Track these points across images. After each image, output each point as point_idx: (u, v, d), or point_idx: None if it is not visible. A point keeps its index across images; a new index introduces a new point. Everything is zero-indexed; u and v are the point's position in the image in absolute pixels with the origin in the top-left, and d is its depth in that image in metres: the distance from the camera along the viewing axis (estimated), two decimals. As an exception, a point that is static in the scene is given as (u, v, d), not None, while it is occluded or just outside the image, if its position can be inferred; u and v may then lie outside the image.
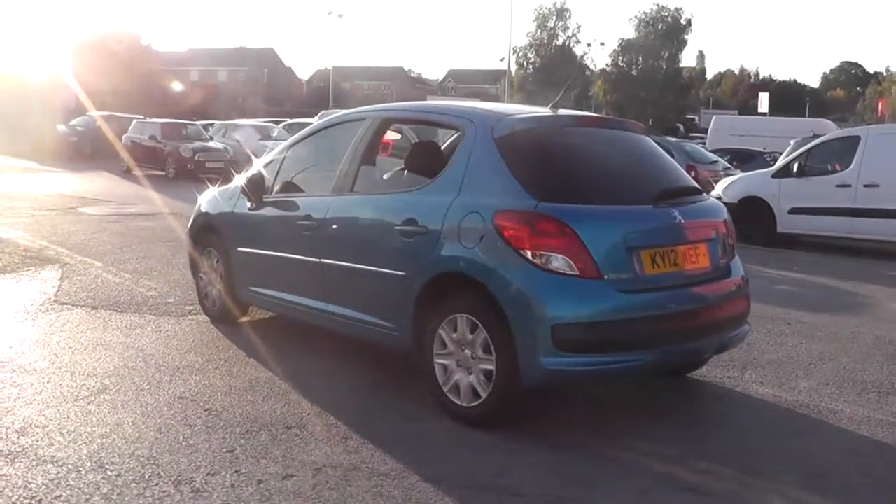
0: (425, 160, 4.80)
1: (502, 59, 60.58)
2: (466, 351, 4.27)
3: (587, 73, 62.76)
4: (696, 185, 5.04)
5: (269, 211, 5.70)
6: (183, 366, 5.20)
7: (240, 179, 6.43)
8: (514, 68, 57.97)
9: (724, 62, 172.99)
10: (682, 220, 4.44)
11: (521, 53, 60.65)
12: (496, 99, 60.96)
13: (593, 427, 4.41)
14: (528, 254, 4.04)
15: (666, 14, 56.31)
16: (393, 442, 4.04)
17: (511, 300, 4.04)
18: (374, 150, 5.25)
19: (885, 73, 66.57)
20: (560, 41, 61.72)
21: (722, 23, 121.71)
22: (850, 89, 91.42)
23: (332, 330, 5.34)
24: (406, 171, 5.05)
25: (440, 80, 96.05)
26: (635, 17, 57.50)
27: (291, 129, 23.48)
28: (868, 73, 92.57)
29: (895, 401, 5.05)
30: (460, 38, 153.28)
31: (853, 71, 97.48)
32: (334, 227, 5.07)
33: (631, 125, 5.14)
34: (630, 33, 59.90)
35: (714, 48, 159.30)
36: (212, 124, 22.69)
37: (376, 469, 3.74)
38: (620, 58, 57.92)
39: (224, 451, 3.88)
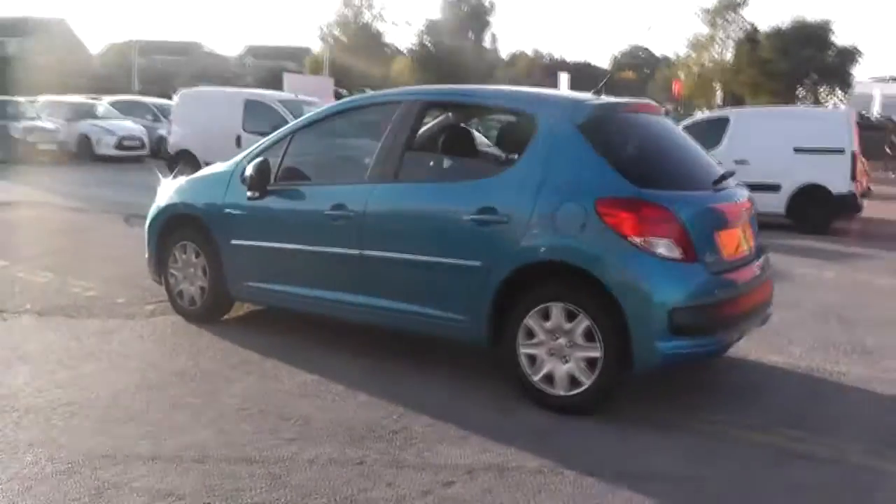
0: (498, 147, 4.66)
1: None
2: (561, 340, 4.24)
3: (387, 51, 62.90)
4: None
5: (276, 201, 5.28)
6: (212, 373, 4.73)
7: (219, 167, 5.93)
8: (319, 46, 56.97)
9: (515, 45, 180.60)
10: (738, 203, 4.67)
11: (327, 31, 59.67)
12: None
13: (676, 406, 4.52)
14: (637, 240, 4.08)
15: (470, -5, 57.70)
16: (512, 437, 3.95)
17: (624, 287, 4.06)
18: (419, 136, 5.01)
19: (676, 57, 72.36)
20: (366, 19, 61.39)
21: (512, 6, 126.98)
22: (640, 71, 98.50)
23: (371, 324, 5.07)
24: (450, 159, 4.87)
25: (238, 55, 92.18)
26: (442, -2, 58.42)
27: (120, 106, 21.71)
28: (655, 56, 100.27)
29: (878, 359, 5.62)
30: (260, 14, 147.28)
31: (641, 54, 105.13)
32: (380, 216, 4.80)
33: (656, 108, 5.29)
34: (436, 14, 60.83)
35: (505, 31, 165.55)
36: (34, 101, 20.33)
37: (525, 466, 3.65)
38: (426, 38, 58.64)
39: (354, 463, 3.61)
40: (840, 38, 73.99)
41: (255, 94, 13.92)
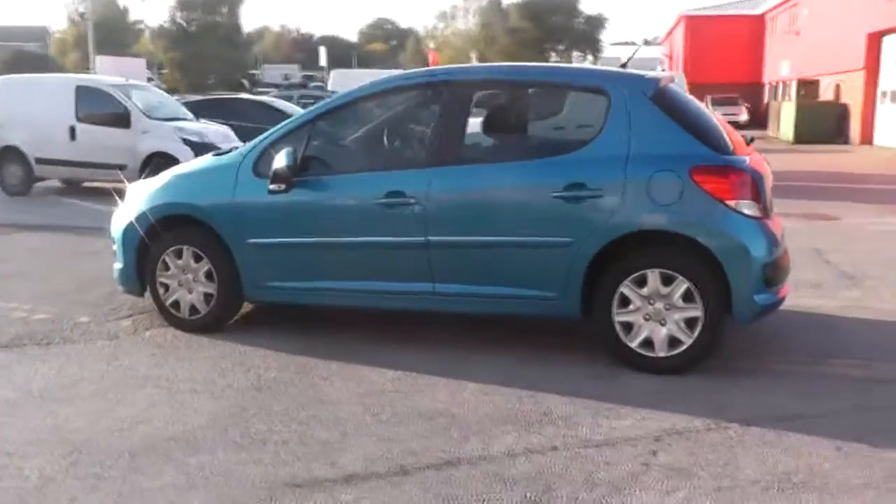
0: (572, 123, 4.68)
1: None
2: (658, 304, 4.43)
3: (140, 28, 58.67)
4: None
5: (307, 193, 4.92)
6: (288, 382, 4.37)
7: (214, 160, 5.41)
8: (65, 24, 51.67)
9: (259, 19, 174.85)
10: (765, 164, 5.09)
11: (72, 8, 54.21)
12: (43, 58, 53.99)
13: (751, 356, 4.81)
14: (732, 203, 4.34)
15: (220, -31, 54.96)
16: (645, 401, 4.07)
17: (726, 248, 4.31)
18: (481, 116, 4.88)
19: (424, 29, 74.45)
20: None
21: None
22: (387, 43, 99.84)
23: (438, 311, 4.93)
24: (516, 138, 4.83)
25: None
26: (187, -30, 55.02)
27: None
28: (401, 28, 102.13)
29: (843, 291, 6.36)
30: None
31: (387, 27, 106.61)
32: (449, 201, 4.66)
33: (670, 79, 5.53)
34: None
35: (249, 5, 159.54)
36: None
37: (693, 426, 3.80)
38: (178, 13, 55.20)
39: (550, 448, 3.56)
40: (587, 5, 79.72)
41: (87, 80, 12.49)
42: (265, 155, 5.02)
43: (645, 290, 4.43)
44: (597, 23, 63.89)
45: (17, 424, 3.86)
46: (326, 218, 4.92)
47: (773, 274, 4.43)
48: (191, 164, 5.54)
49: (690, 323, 4.40)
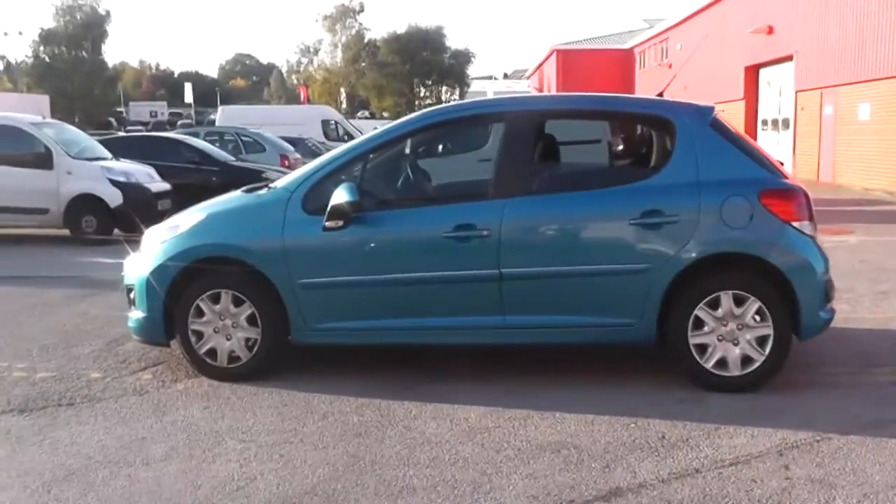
0: (640, 152, 4.77)
1: None
2: (730, 324, 4.57)
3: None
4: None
5: (365, 230, 4.76)
6: (387, 438, 4.19)
7: (252, 196, 5.14)
8: None
9: (118, 55, 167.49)
10: None
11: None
12: None
13: (804, 369, 5.02)
14: (796, 224, 4.57)
15: (84, 3, 52.62)
16: (739, 419, 4.18)
17: (793, 267, 4.52)
18: (546, 146, 4.89)
19: (287, 64, 74.14)
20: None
21: (116, 15, 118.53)
22: (248, 79, 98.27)
23: (511, 344, 4.87)
24: (585, 167, 4.88)
25: None
26: (53, 4, 52.44)
27: None
28: (261, 63, 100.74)
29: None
30: None
31: (247, 62, 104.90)
32: (524, 232, 4.64)
33: None
34: (50, 22, 54.36)
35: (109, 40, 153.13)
36: None
37: (798, 438, 3.93)
38: (42, 48, 52.28)
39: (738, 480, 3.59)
40: (454, 41, 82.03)
41: (2, 118, 11.46)
42: (316, 191, 4.83)
43: (719, 312, 4.56)
44: (464, 58, 65.60)
45: (103, 494, 3.47)
46: (388, 254, 4.77)
47: (830, 289, 4.68)
48: (224, 203, 5.22)
49: (762, 341, 4.57)
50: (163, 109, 62.05)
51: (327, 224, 4.72)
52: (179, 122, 46.94)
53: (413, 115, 5.06)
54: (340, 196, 4.64)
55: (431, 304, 4.77)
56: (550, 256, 4.65)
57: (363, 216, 4.75)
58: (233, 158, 15.60)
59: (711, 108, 4.84)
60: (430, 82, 65.27)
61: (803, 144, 22.36)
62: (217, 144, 16.89)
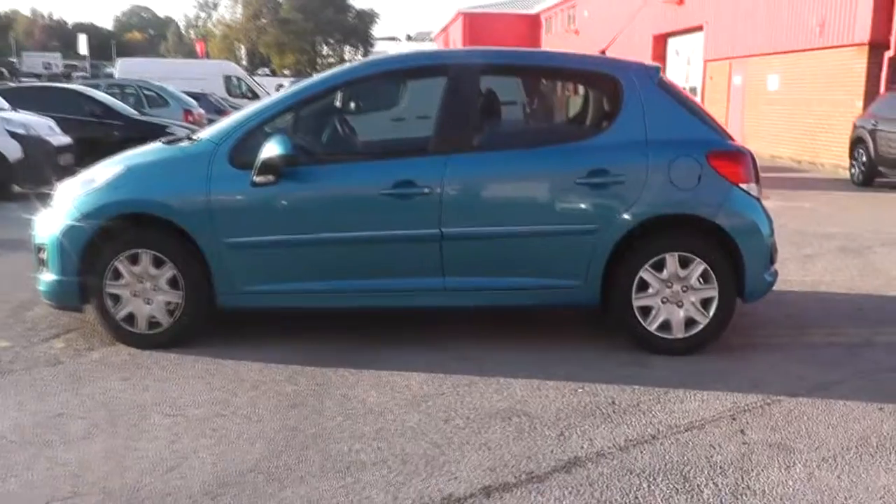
0: (592, 110, 4.59)
1: None
2: (675, 286, 4.50)
3: None
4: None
5: (298, 185, 4.45)
6: (330, 403, 3.95)
7: (173, 148, 4.75)
8: None
9: (7, 3, 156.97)
10: None
11: None
12: None
13: (749, 333, 5.01)
14: (744, 186, 4.51)
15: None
16: (688, 383, 4.14)
17: (740, 230, 4.47)
18: (488, 102, 4.64)
19: (193, 18, 71.34)
20: None
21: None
22: (145, 32, 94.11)
23: (452, 307, 4.65)
24: (529, 124, 4.68)
25: None
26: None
27: None
28: (158, 16, 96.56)
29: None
30: None
31: (144, 14, 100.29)
32: (466, 190, 4.42)
33: None
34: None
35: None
36: None
37: (751, 402, 3.90)
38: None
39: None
40: (358, 1, 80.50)
41: None
42: (244, 143, 4.48)
43: (664, 274, 4.48)
44: (368, 18, 64.79)
45: (25, 480, 3.12)
46: (323, 212, 4.47)
47: (774, 252, 4.67)
48: (143, 156, 4.79)
49: (706, 304, 4.52)
50: (57, 61, 58.69)
51: (257, 179, 4.38)
52: (75, 75, 44.42)
53: (351, 63, 4.73)
54: (272, 149, 4.31)
55: (368, 266, 4.52)
56: (493, 216, 4.45)
57: (296, 171, 4.43)
58: (136, 112, 14.81)
59: (658, 67, 4.72)
60: (332, 41, 64.18)
61: (711, 113, 22.81)
62: (119, 98, 15.98)
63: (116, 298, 4.59)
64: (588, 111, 4.91)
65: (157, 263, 4.54)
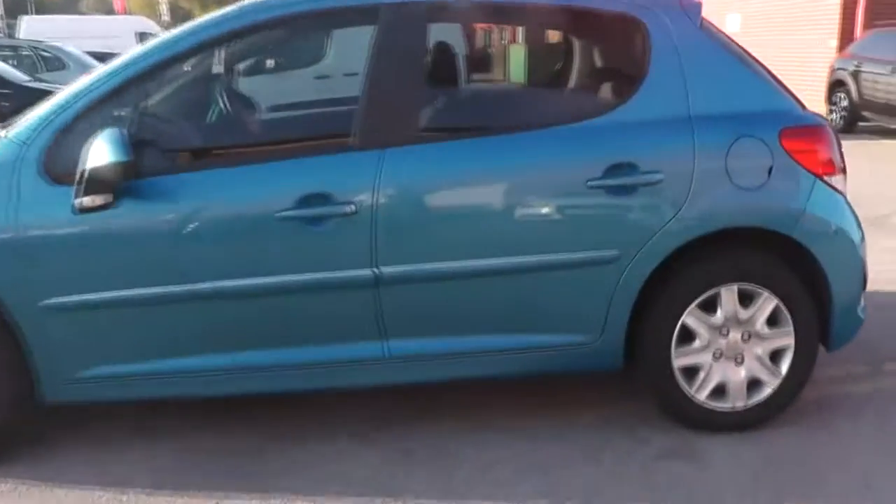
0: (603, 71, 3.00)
1: None
2: (734, 334, 3.01)
3: None
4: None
5: (150, 208, 2.79)
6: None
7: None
8: None
9: None
10: None
11: None
12: None
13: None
14: (830, 180, 3.00)
15: None
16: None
17: (827, 246, 2.97)
18: (443, 61, 2.99)
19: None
20: None
21: None
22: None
23: (392, 386, 3.07)
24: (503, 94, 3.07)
25: None
26: None
27: None
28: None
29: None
30: None
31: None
32: (413, 205, 2.81)
33: None
34: None
35: None
36: None
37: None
38: None
39: None
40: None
41: None
42: (62, 142, 2.80)
43: (717, 317, 2.98)
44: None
45: None
46: (189, 251, 2.81)
47: (866, 274, 3.19)
48: None
49: (776, 356, 3.06)
50: (-39, 20, 54.34)
51: (83, 201, 2.69)
52: None
53: (222, 11, 2.95)
54: (100, 153, 2.62)
55: (264, 331, 2.90)
56: (456, 244, 2.84)
57: (143, 186, 2.77)
58: (28, 78, 12.77)
59: (699, 4, 3.12)
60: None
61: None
62: (12, 62, 13.92)
63: None
64: (599, 74, 3.30)
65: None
